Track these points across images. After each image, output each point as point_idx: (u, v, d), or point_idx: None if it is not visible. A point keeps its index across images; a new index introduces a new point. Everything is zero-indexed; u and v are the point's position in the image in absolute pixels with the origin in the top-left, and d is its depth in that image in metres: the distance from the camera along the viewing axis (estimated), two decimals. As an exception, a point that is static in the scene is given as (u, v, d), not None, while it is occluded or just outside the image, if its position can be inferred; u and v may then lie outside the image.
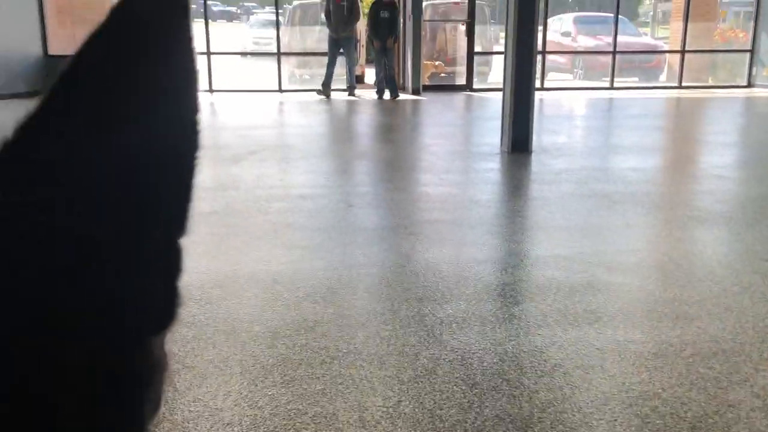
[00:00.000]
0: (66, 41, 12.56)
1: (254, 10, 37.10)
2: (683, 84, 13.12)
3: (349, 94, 10.60)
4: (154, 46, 0.28)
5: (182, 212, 0.28)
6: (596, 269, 2.93)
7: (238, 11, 36.38)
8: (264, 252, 3.17)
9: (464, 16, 13.98)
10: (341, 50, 10.40)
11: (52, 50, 11.84)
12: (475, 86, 12.73)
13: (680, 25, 14.20)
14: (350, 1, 10.02)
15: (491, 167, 5.30)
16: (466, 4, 12.92)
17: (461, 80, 13.03)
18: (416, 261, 3.02)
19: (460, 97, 11.47)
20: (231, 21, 37.86)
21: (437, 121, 8.35)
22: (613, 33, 13.26)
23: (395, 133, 7.39)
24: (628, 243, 3.34)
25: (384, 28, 10.06)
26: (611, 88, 12.91)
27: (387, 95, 10.20)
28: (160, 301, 0.29)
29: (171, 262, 0.29)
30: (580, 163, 5.43)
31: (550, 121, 7.81)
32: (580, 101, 11.21)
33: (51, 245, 0.25)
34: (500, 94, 11.47)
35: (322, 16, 11.11)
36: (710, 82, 14.55)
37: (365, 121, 8.43)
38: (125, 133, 0.27)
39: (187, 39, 0.29)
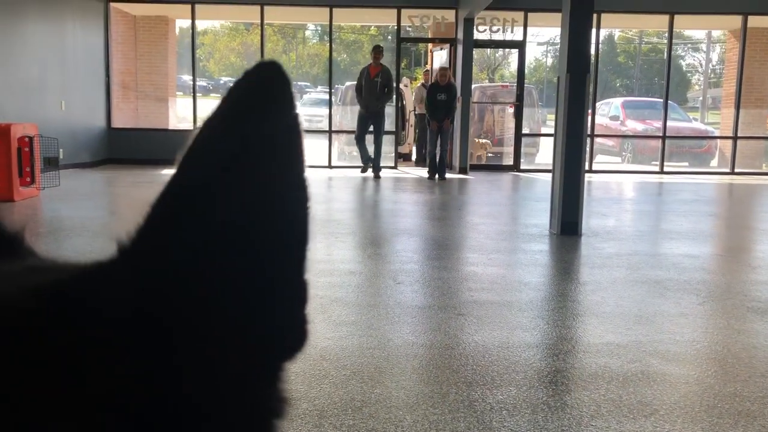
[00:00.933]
0: (129, 115, 13.16)
1: (307, 89, 38.48)
2: (735, 170, 12.95)
3: (375, 176, 10.26)
4: (279, 166, 0.30)
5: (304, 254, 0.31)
6: (651, 359, 2.85)
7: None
8: (311, 327, 3.17)
9: (512, 99, 14.21)
10: (371, 128, 10.26)
11: (115, 124, 12.38)
12: (522, 167, 12.80)
13: (731, 111, 14.15)
14: (385, 77, 10.01)
15: (540, 249, 5.26)
16: (515, 87, 13.14)
17: (509, 161, 13.13)
18: (465, 343, 2.98)
19: (507, 177, 11.51)
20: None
21: (485, 201, 8.37)
22: (662, 117, 13.25)
23: (443, 211, 7.43)
24: (683, 333, 3.24)
25: (441, 109, 10.08)
26: (661, 172, 12.81)
27: (436, 175, 10.26)
28: (298, 327, 0.35)
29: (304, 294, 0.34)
30: (631, 247, 5.35)
31: (600, 204, 7.76)
32: (630, 185, 11.14)
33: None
34: (547, 174, 11.50)
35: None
36: (764, 169, 14.34)
37: (413, 199, 8.50)
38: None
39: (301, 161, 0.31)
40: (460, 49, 12.13)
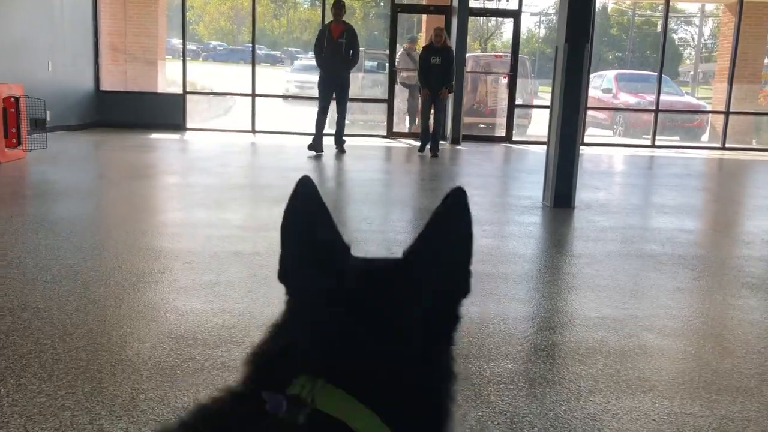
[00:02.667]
0: (117, 78, 12.92)
1: (298, 55, 37.87)
2: (726, 145, 12.95)
3: (339, 151, 8.94)
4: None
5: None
6: (648, 333, 2.83)
7: (282, 55, 37.23)
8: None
9: (505, 69, 14.08)
10: (333, 95, 8.81)
11: (104, 86, 12.16)
12: (514, 138, 12.73)
13: (724, 86, 14.10)
14: (350, 37, 8.59)
15: (534, 221, 5.22)
16: (509, 57, 12.99)
17: (501, 132, 13.05)
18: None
19: (499, 149, 11.45)
20: (274, 65, 38.70)
21: (477, 172, 8.31)
22: (656, 91, 13.18)
23: (435, 182, 7.37)
24: (680, 307, 3.23)
25: (435, 75, 9.03)
26: (653, 146, 12.79)
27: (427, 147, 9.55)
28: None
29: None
30: (625, 221, 5.33)
31: (592, 177, 7.72)
32: (622, 158, 11.11)
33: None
34: (539, 147, 11.41)
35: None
36: (754, 144, 14.35)
37: (405, 169, 8.43)
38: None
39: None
40: (453, 17, 11.96)
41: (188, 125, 12.37)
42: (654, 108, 13.06)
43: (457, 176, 7.90)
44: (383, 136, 12.51)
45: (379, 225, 4.82)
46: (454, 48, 11.28)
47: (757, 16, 13.64)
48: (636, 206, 6.29)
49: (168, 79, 13.98)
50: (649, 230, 5.04)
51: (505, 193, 6.76)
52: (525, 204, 5.85)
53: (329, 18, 8.98)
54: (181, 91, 12.37)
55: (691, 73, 42.35)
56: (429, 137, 9.42)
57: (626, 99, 16.93)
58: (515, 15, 12.45)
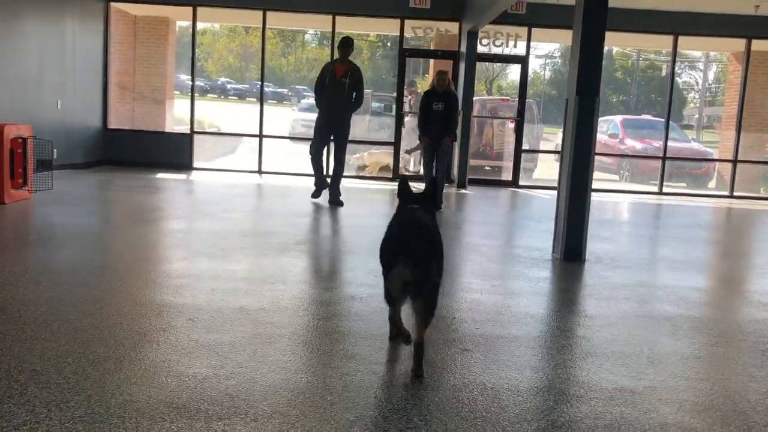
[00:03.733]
0: (125, 116, 12.99)
1: (305, 93, 38.17)
2: (734, 194, 12.89)
3: (334, 203, 8.12)
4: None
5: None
6: (667, 408, 2.71)
7: (289, 93, 37.57)
8: (313, 360, 3.04)
9: (512, 113, 14.14)
10: (331, 138, 8.24)
11: (111, 124, 12.20)
12: (521, 183, 12.69)
13: (731, 133, 14.11)
14: (355, 79, 7.96)
15: (545, 276, 5.13)
16: (516, 102, 13.04)
17: (507, 176, 13.03)
18: (473, 384, 2.84)
19: (506, 194, 11.41)
20: (281, 102, 39.04)
21: (484, 219, 8.24)
22: (663, 137, 13.17)
23: (442, 229, 7.29)
24: (699, 378, 3.11)
25: (437, 122, 8.29)
26: (660, 192, 12.74)
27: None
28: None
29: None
30: (637, 277, 5.23)
31: (601, 227, 7.64)
32: (629, 206, 11.04)
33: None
34: (545, 192, 11.33)
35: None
36: (762, 193, 14.29)
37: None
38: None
39: None
40: (461, 63, 12.03)
41: (195, 165, 12.37)
42: (661, 155, 13.02)
43: (464, 224, 7.82)
44: (389, 179, 12.50)
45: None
46: (460, 94, 11.33)
47: (765, 66, 13.70)
48: (647, 260, 6.19)
49: (176, 117, 14.05)
50: (662, 288, 4.93)
51: (514, 244, 6.67)
52: (534, 256, 5.76)
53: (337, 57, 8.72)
54: (189, 131, 12.38)
55: (696, 116, 42.59)
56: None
57: (633, 144, 16.95)
58: (522, 61, 12.52)
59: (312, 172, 8.40)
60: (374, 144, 13.05)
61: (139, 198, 8.24)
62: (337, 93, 7.98)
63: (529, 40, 12.40)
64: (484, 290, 4.52)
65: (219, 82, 41.03)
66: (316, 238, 6.55)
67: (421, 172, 9.87)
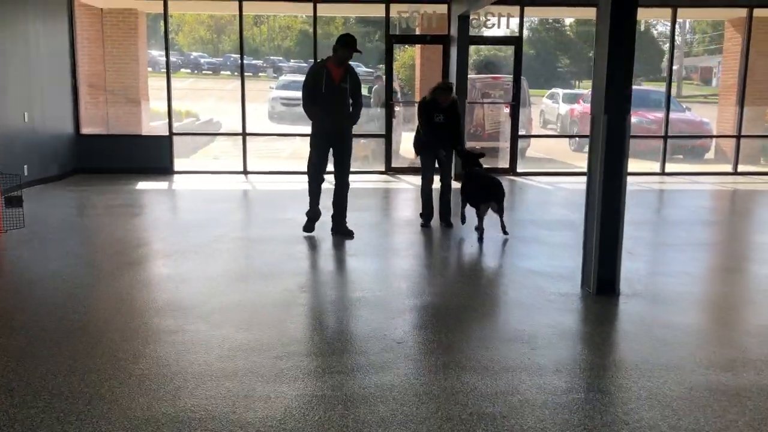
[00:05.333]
0: (98, 121, 12.23)
1: (280, 63, 37.07)
2: (738, 170, 12.47)
3: (342, 233, 7.04)
4: None
5: None
6: None
7: (264, 64, 36.51)
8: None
9: (502, 90, 13.61)
10: (332, 151, 6.94)
11: (84, 130, 11.46)
12: (518, 169, 12.17)
13: (730, 106, 13.67)
14: (355, 84, 6.85)
15: (576, 321, 4.63)
16: (511, 85, 12.44)
17: (503, 162, 12.49)
18: None
19: (506, 186, 10.85)
20: (257, 75, 37.93)
21: (491, 235, 7.67)
22: (664, 114, 12.64)
23: (443, 251, 6.79)
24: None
25: (437, 136, 7.33)
26: (662, 173, 12.28)
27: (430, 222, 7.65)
28: None
29: None
30: (692, 320, 4.73)
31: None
32: (635, 194, 10.56)
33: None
34: (546, 179, 10.81)
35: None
36: (762, 163, 13.90)
37: (403, 239, 7.80)
38: None
39: None
40: (452, 47, 11.38)
41: (176, 168, 11.70)
42: (663, 134, 12.53)
43: (468, 234, 7.27)
44: (382, 172, 11.93)
45: (402, 347, 4.20)
46: (454, 81, 10.69)
47: (764, 32, 13.14)
48: (695, 289, 5.68)
49: (151, 109, 13.30)
50: (720, 339, 4.46)
51: (533, 268, 6.14)
52: (563, 290, 5.26)
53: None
54: (167, 133, 11.68)
55: (675, 67, 42.12)
56: (431, 208, 7.59)
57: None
58: (516, 42, 11.88)
59: (309, 201, 7.02)
60: (364, 137, 12.40)
61: (120, 225, 7.62)
62: (338, 101, 6.75)
63: (522, 19, 11.76)
64: (511, 359, 4.01)
65: (192, 57, 39.79)
66: (321, 280, 6.01)
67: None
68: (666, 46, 45.28)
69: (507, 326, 4.49)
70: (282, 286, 5.31)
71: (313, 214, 7.04)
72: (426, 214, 7.62)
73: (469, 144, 12.24)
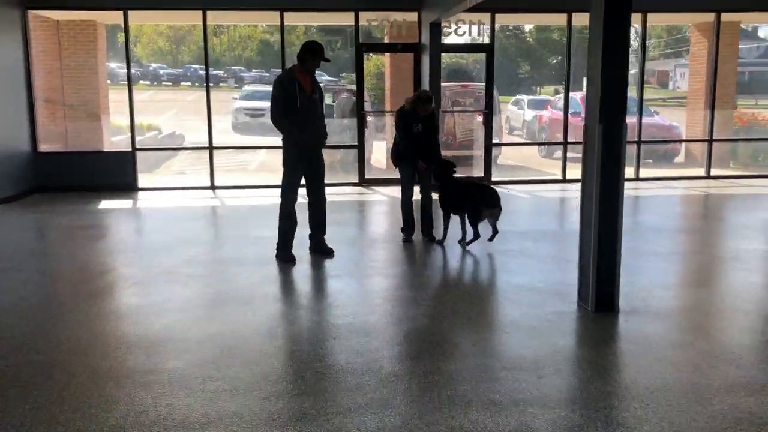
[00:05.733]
0: (57, 137, 11.70)
1: (241, 73, 36.50)
2: (711, 174, 12.47)
3: (324, 254, 6.65)
4: None
5: None
6: None
7: (225, 75, 35.95)
8: None
9: (472, 98, 13.48)
10: (310, 166, 6.45)
11: (42, 147, 10.93)
12: (494, 178, 11.98)
13: (699, 109, 13.72)
14: (321, 94, 6.48)
15: (575, 344, 4.38)
16: (483, 93, 12.26)
17: (477, 171, 12.29)
18: None
19: (483, 196, 10.64)
20: (218, 85, 37.30)
21: (475, 246, 7.41)
22: (637, 123, 12.57)
23: (430, 267, 6.51)
24: None
25: (416, 147, 7.04)
26: (637, 179, 12.21)
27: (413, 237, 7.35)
28: None
29: None
30: (699, 338, 4.52)
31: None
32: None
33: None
34: (522, 188, 10.64)
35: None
36: (731, 166, 13.95)
37: (381, 256, 7.51)
38: None
39: None
40: (424, 56, 11.16)
41: (140, 184, 11.24)
42: (636, 139, 12.46)
43: (450, 248, 7.01)
44: (355, 184, 11.63)
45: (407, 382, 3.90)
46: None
47: (728, 36, 13.20)
48: (687, 303, 5.50)
49: (112, 124, 12.80)
50: (735, 358, 4.25)
51: (525, 283, 5.89)
52: (558, 307, 5.02)
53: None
54: (130, 148, 11.21)
55: (633, 71, 42.78)
56: (413, 222, 7.31)
57: (596, 122, 16.42)
58: (488, 50, 11.70)
59: (282, 225, 6.47)
60: (336, 148, 12.08)
61: (83, 249, 7.18)
62: (313, 114, 6.30)
63: (493, 27, 11.59)
64: (515, 391, 3.74)
65: (151, 68, 38.97)
66: (304, 305, 5.68)
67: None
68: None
69: (508, 352, 4.21)
70: (263, 314, 4.97)
71: (289, 259, 6.41)
72: (407, 229, 7.33)
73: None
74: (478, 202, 6.95)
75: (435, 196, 7.32)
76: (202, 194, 10.90)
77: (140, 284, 5.75)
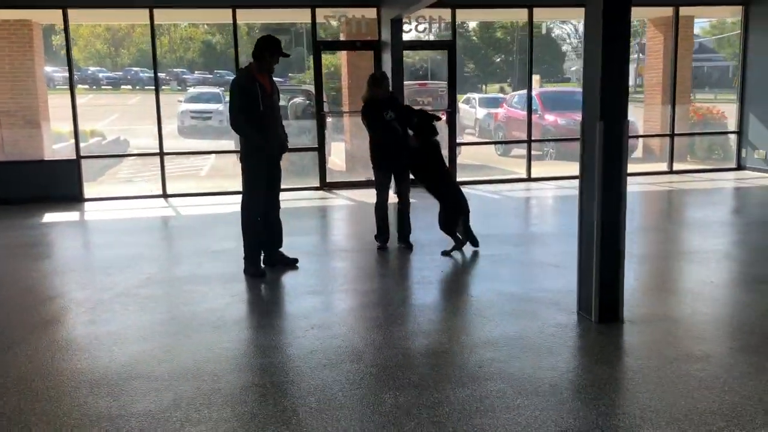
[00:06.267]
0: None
1: (184, 75, 35.46)
2: (674, 168, 12.43)
3: (284, 264, 6.20)
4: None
5: None
6: None
7: (167, 77, 34.85)
8: None
9: (432, 98, 13.21)
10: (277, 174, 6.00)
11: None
12: (458, 179, 11.64)
13: (656, 104, 13.71)
14: (278, 95, 6.03)
15: (602, 372, 4.03)
16: (443, 89, 11.93)
17: (442, 172, 11.94)
18: None
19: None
20: (160, 88, 36.07)
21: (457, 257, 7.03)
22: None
23: (415, 278, 6.11)
24: None
25: (395, 137, 6.53)
26: (601, 175, 12.03)
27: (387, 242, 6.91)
28: None
29: None
30: (715, 348, 4.23)
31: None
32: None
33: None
34: (486, 187, 10.33)
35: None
36: (689, 160, 13.98)
37: (357, 262, 7.08)
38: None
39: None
40: (384, 54, 10.75)
41: (86, 195, 10.52)
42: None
43: (429, 257, 6.63)
44: (316, 188, 11.13)
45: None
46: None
47: (683, 29, 13.20)
48: (692, 309, 5.24)
49: (52, 130, 11.99)
50: (759, 371, 3.96)
51: (518, 293, 5.54)
52: (558, 318, 4.67)
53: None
54: (74, 156, 10.48)
55: (573, 68, 43.30)
56: (388, 228, 6.85)
57: (553, 119, 16.31)
58: (450, 47, 11.37)
59: (247, 240, 5.93)
60: (294, 151, 11.53)
61: (27, 270, 6.52)
62: (276, 117, 5.87)
63: (454, 23, 11.26)
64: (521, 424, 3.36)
65: (90, 72, 37.51)
66: (284, 329, 5.20)
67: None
68: (564, 48, 46.68)
69: (522, 375, 3.81)
70: (237, 341, 4.48)
71: (260, 273, 5.90)
72: (382, 235, 6.89)
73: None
74: (456, 209, 6.58)
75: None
76: (154, 203, 10.25)
77: (95, 309, 5.16)
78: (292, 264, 6.24)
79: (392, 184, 6.82)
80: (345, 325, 4.74)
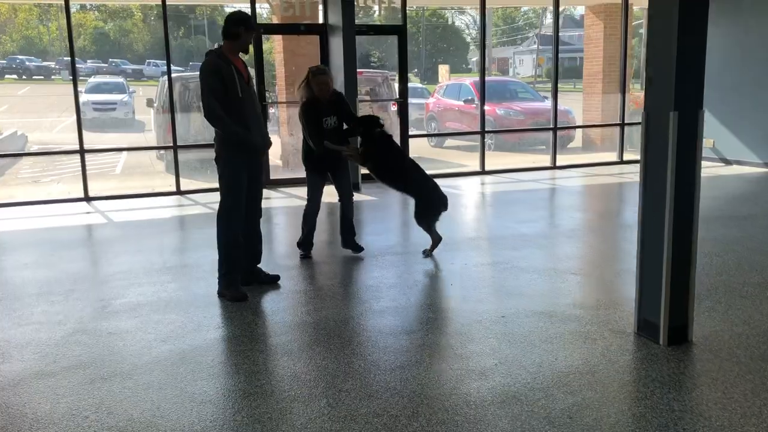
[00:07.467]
0: None
1: (76, 65, 32.93)
2: (624, 159, 12.23)
3: (265, 281, 5.34)
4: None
5: None
6: None
7: (57, 66, 32.27)
8: None
9: (371, 87, 12.51)
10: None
11: None
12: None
13: (596, 93, 13.55)
14: (252, 80, 5.21)
15: (700, 412, 3.38)
16: (396, 79, 11.14)
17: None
18: None
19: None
20: (49, 78, 33.51)
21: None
22: (552, 110, 12.00)
23: (402, 291, 5.32)
24: None
25: (332, 142, 5.81)
26: (554, 167, 11.64)
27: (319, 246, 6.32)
28: None
29: None
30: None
31: (595, 249, 6.07)
32: (562, 192, 9.72)
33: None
34: (448, 180, 9.66)
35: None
36: (628, 149, 13.88)
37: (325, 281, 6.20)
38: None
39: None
40: (334, 38, 9.84)
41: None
42: (552, 126, 11.89)
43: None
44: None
45: None
46: (342, 80, 9.21)
47: (616, 18, 13.04)
48: (756, 331, 4.69)
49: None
50: None
51: (546, 308, 4.84)
52: (611, 340, 4.01)
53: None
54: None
55: (475, 59, 43.68)
56: (312, 235, 6.14)
57: (490, 109, 15.90)
58: (400, 32, 10.57)
59: (225, 255, 5.01)
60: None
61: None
62: (256, 107, 4.97)
63: (404, 7, 10.47)
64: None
65: (-26, 60, 34.29)
66: (269, 371, 4.27)
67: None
68: (469, 39, 47.02)
69: (602, 422, 3.09)
70: (224, 390, 3.53)
71: (240, 296, 4.95)
72: (306, 242, 6.14)
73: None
74: (434, 200, 5.95)
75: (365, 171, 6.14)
76: (76, 208, 8.92)
77: (27, 363, 4.04)
78: (273, 282, 5.31)
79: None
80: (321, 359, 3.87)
